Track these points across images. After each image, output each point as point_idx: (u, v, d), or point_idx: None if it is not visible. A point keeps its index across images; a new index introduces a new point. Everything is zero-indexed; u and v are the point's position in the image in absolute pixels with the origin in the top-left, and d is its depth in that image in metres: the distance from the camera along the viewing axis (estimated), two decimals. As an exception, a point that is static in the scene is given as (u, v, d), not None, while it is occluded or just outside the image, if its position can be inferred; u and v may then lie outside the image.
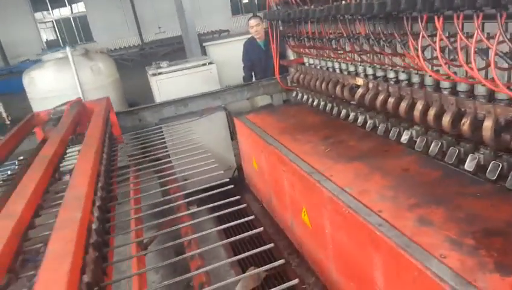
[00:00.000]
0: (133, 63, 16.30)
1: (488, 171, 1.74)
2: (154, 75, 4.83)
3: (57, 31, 20.29)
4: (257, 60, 4.98)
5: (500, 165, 1.69)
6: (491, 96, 1.72)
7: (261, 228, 1.77)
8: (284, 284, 1.41)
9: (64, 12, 20.25)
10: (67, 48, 5.16)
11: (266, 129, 3.32)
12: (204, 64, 5.02)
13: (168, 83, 4.71)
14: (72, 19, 20.18)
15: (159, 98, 4.70)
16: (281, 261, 1.53)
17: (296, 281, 1.48)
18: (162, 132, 3.28)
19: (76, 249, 1.16)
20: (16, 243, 1.28)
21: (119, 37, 18.93)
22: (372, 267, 1.80)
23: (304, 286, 2.71)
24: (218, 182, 2.12)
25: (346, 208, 1.93)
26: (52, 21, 20.14)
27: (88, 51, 5.87)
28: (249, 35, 5.11)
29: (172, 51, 16.51)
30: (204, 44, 6.71)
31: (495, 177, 1.71)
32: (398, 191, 1.97)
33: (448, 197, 1.82)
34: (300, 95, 3.75)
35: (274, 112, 3.94)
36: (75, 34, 20.12)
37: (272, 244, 1.65)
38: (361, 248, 1.87)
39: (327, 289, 2.50)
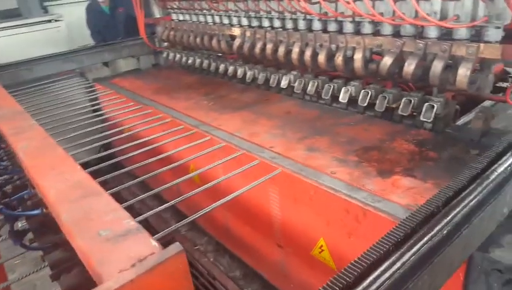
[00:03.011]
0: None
1: (359, 99, 1.95)
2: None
3: None
4: (103, 28, 4.52)
5: (369, 93, 1.90)
6: (358, 31, 1.92)
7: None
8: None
9: None
10: None
11: (138, 92, 3.06)
12: (49, 21, 4.23)
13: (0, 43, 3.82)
14: None
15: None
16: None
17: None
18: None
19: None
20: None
21: None
22: (268, 202, 1.84)
23: (196, 247, 2.65)
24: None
25: (239, 150, 1.92)
26: None
27: None
28: None
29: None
30: (45, 3, 5.62)
31: (366, 104, 1.92)
32: (285, 129, 2.05)
33: (328, 128, 1.99)
34: (172, 55, 3.55)
35: (143, 75, 3.66)
36: None
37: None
38: (257, 186, 1.89)
39: (221, 243, 2.50)
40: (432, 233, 0.71)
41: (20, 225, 1.18)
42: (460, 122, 1.84)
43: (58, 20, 4.32)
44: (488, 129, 1.59)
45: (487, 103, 1.98)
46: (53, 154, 1.12)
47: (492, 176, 0.86)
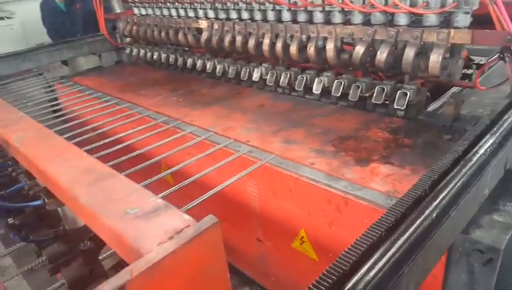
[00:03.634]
0: None
1: (333, 89, 1.95)
2: None
3: None
4: (60, 26, 4.30)
5: (342, 83, 1.91)
6: (329, 21, 1.91)
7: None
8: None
9: None
10: None
11: (101, 90, 2.92)
12: (1, 19, 3.96)
13: None
14: None
15: None
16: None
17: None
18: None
19: None
20: None
21: None
22: (246, 196, 1.81)
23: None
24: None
25: (214, 145, 1.87)
26: None
27: None
28: None
29: None
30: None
31: (339, 94, 1.93)
32: (259, 123, 2.02)
33: (303, 120, 1.98)
34: (135, 51, 3.42)
35: (106, 73, 3.51)
36: None
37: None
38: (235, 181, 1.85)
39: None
40: (423, 217, 0.71)
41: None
42: (430, 108, 1.89)
43: (11, 18, 4.03)
44: (459, 114, 1.63)
45: (454, 89, 2.04)
46: (53, 142, 1.09)
47: (475, 158, 0.88)
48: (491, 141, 0.94)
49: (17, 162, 1.22)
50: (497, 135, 0.96)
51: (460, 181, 0.80)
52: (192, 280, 0.61)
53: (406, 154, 1.51)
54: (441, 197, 0.75)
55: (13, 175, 1.22)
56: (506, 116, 1.05)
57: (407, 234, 0.67)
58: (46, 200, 1.07)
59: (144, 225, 0.67)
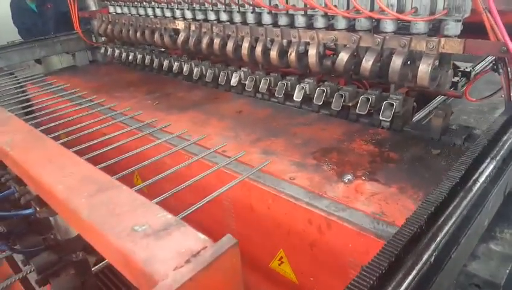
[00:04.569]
0: None
1: (315, 97, 1.84)
2: None
3: None
4: (32, 26, 4.10)
5: (325, 91, 1.80)
6: (311, 25, 1.80)
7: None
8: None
9: None
10: None
11: (74, 91, 2.75)
12: (-31, 16, 3.73)
13: None
14: None
15: None
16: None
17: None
18: None
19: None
20: None
21: None
22: (221, 211, 1.68)
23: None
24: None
25: (189, 155, 1.74)
26: None
27: None
28: None
29: None
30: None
31: (321, 103, 1.82)
32: (237, 130, 1.91)
33: (283, 129, 1.87)
34: (110, 50, 3.24)
35: (81, 72, 3.35)
36: None
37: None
38: (210, 194, 1.72)
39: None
40: (421, 263, 0.60)
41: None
42: (415, 118, 1.81)
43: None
44: (447, 126, 1.55)
45: (439, 98, 1.97)
46: (46, 146, 0.98)
47: (475, 187, 0.78)
48: (491, 167, 0.84)
49: (6, 167, 1.11)
50: (497, 158, 0.86)
51: (461, 216, 0.70)
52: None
53: (392, 171, 1.41)
54: (440, 236, 0.65)
55: (2, 181, 1.11)
56: (505, 137, 0.95)
57: (404, 285, 0.56)
58: (37, 209, 0.97)
59: (155, 245, 0.59)
